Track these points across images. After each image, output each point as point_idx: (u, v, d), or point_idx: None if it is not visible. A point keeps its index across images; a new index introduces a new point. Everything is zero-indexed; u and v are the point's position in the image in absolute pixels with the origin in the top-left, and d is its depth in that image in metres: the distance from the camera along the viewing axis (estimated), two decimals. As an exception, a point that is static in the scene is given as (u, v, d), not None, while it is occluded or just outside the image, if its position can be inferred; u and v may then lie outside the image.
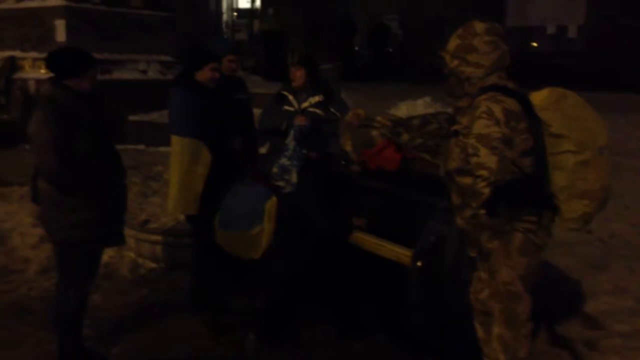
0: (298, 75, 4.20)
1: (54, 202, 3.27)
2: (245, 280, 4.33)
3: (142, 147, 9.15)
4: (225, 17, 17.49)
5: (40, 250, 5.03)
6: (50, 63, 3.32)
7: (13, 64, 10.13)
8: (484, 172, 2.51)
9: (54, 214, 3.29)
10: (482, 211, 2.54)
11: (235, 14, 17.80)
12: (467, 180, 2.63)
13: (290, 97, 4.26)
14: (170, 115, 3.88)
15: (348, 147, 4.19)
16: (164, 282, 4.83)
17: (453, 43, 2.76)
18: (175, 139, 3.76)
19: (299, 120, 4.05)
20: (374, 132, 4.15)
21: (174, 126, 3.79)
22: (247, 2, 17.19)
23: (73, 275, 3.43)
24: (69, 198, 3.23)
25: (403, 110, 9.27)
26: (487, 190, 2.50)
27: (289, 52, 4.11)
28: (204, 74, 3.77)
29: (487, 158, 2.50)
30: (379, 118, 4.28)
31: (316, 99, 4.22)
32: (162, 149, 8.60)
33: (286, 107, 4.23)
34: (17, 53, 10.43)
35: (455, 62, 2.74)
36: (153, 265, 5.01)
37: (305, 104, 4.21)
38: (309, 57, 4.32)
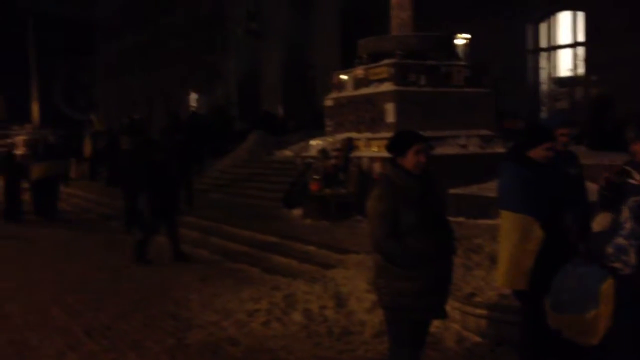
0: None
1: (382, 269, 3.56)
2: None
3: (461, 219, 9.32)
4: (544, 87, 17.10)
5: (374, 315, 5.45)
6: (387, 145, 3.69)
7: (350, 144, 11.43)
8: None
9: (381, 281, 3.58)
10: None
11: (555, 83, 17.29)
12: None
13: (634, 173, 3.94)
14: (501, 190, 3.94)
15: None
16: (488, 357, 4.78)
17: None
18: (505, 214, 3.79)
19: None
20: None
21: (505, 201, 3.83)
22: (569, 70, 16.57)
23: (401, 341, 3.61)
24: (395, 267, 3.47)
25: None
26: None
27: (629, 124, 3.83)
28: (538, 152, 3.76)
29: None
30: None
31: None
32: (482, 221, 8.68)
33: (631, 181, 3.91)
34: (354, 134, 11.77)
35: None
36: (478, 339, 5.01)
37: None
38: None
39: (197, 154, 13.65)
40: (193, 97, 36.38)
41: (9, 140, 36.64)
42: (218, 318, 6.00)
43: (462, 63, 12.53)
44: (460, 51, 13.92)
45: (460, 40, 14.59)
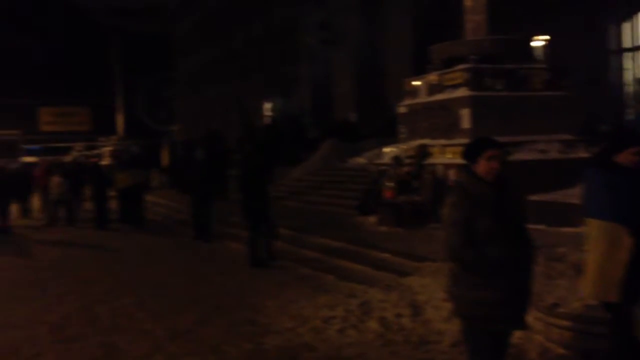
0: None
1: (457, 278, 3.49)
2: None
3: (542, 227, 9.02)
4: (630, 88, 16.35)
5: (452, 324, 5.35)
6: (461, 152, 3.63)
7: (424, 151, 11.31)
8: None
9: (457, 290, 3.51)
10: None
11: (640, 84, 16.52)
12: None
13: None
14: (586, 197, 3.79)
15: None
16: (575, 371, 4.61)
17: None
18: (592, 222, 3.65)
19: None
20: None
21: (591, 209, 3.69)
22: (656, 70, 15.81)
23: (479, 352, 3.52)
24: (470, 276, 3.40)
25: None
26: None
27: None
28: (625, 157, 3.60)
29: None
30: None
31: None
32: (564, 229, 8.37)
33: None
34: (428, 141, 11.66)
35: None
36: (562, 351, 4.83)
37: None
38: None
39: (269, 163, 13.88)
40: (267, 107, 37.05)
41: (95, 151, 38.63)
42: (294, 324, 6.07)
43: (541, 66, 12.17)
44: (538, 54, 13.51)
45: (539, 42, 14.15)
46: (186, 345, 5.64)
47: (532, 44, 13.26)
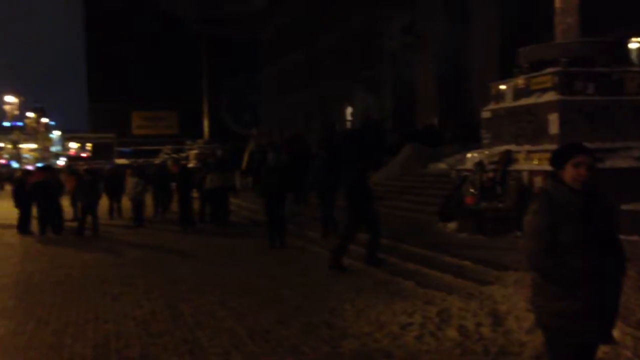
0: None
1: (539, 288, 3.36)
2: None
3: (635, 237, 8.58)
4: None
5: (535, 335, 5.18)
6: (549, 158, 3.51)
7: (509, 157, 11.00)
8: None
9: (538, 300, 3.38)
10: None
11: None
12: None
13: None
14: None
15: None
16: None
17: None
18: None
19: None
20: None
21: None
22: None
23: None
24: (553, 285, 3.27)
25: None
26: None
27: None
28: None
29: None
30: None
31: None
32: (659, 241, 7.92)
33: None
34: (513, 147, 11.31)
35: None
36: (652, 369, 4.58)
37: None
38: None
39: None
40: (348, 111, 37.20)
41: (182, 154, 40.11)
42: (371, 329, 6.06)
43: (636, 69, 11.55)
44: (634, 56, 12.83)
45: (635, 44, 13.46)
46: (265, 344, 5.75)
47: (628, 46, 12.62)
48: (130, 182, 16.68)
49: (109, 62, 77.07)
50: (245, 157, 24.72)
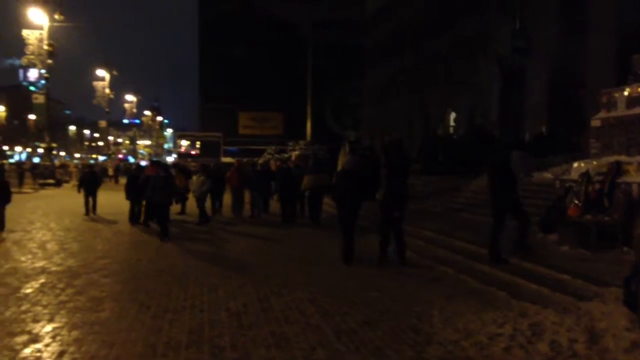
0: None
1: None
2: None
3: None
4: None
5: (633, 355, 4.91)
6: None
7: (618, 168, 10.40)
8: None
9: None
10: None
11: None
12: None
13: None
14: None
15: None
16: None
17: None
18: None
19: None
20: None
21: None
22: None
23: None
24: None
25: None
26: None
27: None
28: None
29: None
30: None
31: None
32: None
33: None
34: (623, 157, 10.69)
35: None
36: None
37: None
38: None
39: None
40: (452, 117, 36.54)
41: (285, 155, 41.03)
42: (458, 337, 5.96)
43: None
44: None
45: None
46: (350, 344, 5.81)
47: None
48: (196, 180, 17.31)
49: (220, 63, 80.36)
50: (340, 159, 24.88)
